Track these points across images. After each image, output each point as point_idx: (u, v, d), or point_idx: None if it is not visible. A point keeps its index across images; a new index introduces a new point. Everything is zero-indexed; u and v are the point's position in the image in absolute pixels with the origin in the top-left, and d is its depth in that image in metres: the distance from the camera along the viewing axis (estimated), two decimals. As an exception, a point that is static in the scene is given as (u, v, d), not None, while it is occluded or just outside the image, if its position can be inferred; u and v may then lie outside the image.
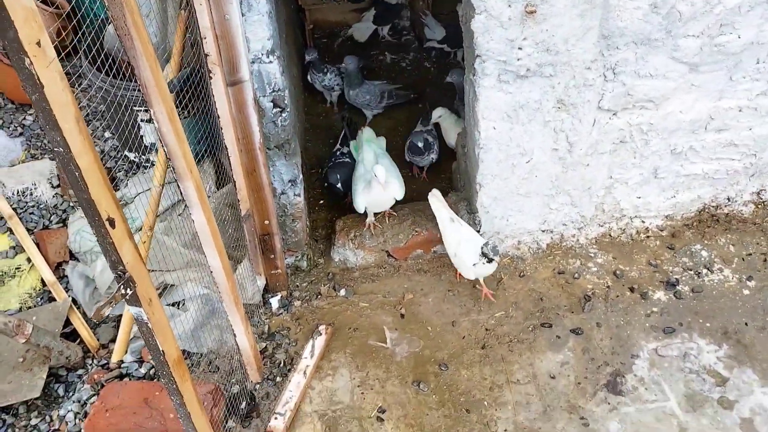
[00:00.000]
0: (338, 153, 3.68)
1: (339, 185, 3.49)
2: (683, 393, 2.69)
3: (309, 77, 4.31)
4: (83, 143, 1.42)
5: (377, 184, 3.13)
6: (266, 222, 2.96)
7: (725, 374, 2.74)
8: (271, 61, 2.65)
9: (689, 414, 2.61)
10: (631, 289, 3.10)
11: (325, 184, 3.71)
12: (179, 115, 2.97)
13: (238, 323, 2.58)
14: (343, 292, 3.26)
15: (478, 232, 3.28)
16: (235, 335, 2.64)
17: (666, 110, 2.90)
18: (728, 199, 3.31)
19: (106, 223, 1.54)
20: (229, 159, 2.62)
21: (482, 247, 2.84)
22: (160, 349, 1.87)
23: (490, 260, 2.85)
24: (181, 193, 2.16)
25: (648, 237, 3.32)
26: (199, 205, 2.06)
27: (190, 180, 1.99)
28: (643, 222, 3.33)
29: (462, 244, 2.97)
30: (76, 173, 1.43)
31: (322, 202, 3.82)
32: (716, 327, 2.91)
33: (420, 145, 3.70)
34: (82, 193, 1.48)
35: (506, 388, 2.78)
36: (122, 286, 1.66)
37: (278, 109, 2.79)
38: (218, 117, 2.45)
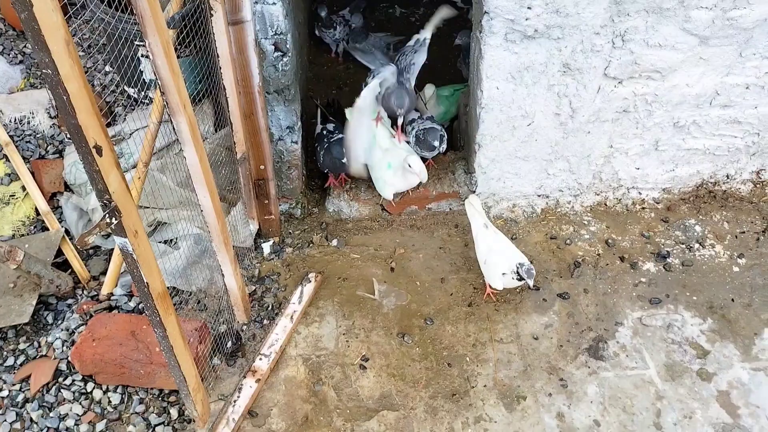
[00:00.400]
0: (325, 132, 3.37)
1: (345, 160, 3.22)
2: (663, 362, 2.72)
3: (317, 32, 4.25)
4: (72, 67, 1.41)
5: (414, 174, 3.13)
6: (262, 167, 2.96)
7: (707, 347, 2.77)
8: (274, 3, 2.60)
9: (667, 383, 2.65)
10: (622, 258, 3.12)
11: (325, 170, 3.45)
12: (180, 52, 2.95)
13: (227, 264, 2.60)
14: (335, 242, 3.27)
15: (474, 192, 3.28)
16: (223, 276, 2.66)
17: (672, 82, 2.86)
18: (727, 176, 3.30)
19: (93, 151, 1.53)
20: (227, 100, 2.60)
21: (517, 267, 2.72)
22: (145, 281, 1.89)
23: (520, 279, 2.74)
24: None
25: (643, 209, 3.32)
26: (191, 142, 2.05)
27: (184, 116, 1.97)
28: (639, 193, 3.33)
29: (493, 252, 2.85)
30: (64, 97, 1.42)
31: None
32: (702, 301, 2.93)
33: (435, 143, 3.27)
34: (69, 118, 1.47)
35: (489, 346, 2.81)
36: (107, 216, 1.66)
37: (279, 53, 2.75)
38: (218, 56, 2.42)
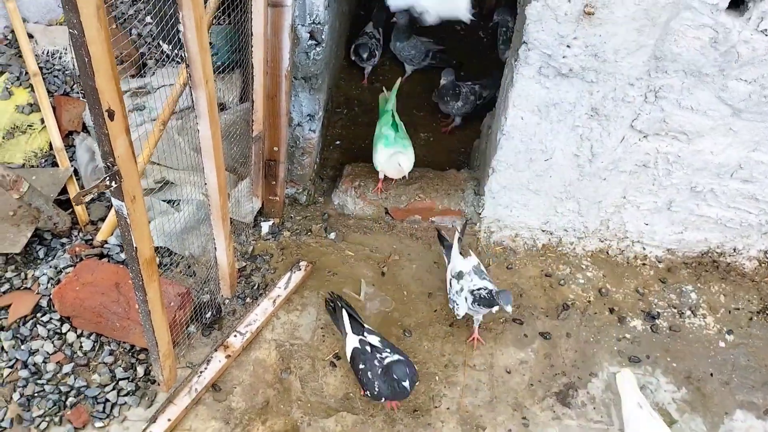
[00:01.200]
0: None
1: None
2: (628, 423, 2.71)
3: (352, 56, 4.19)
4: (99, 31, 1.42)
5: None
6: (275, 149, 2.97)
7: (675, 416, 2.75)
8: (318, -8, 2.60)
9: (628, 444, 2.64)
10: (611, 310, 3.10)
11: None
12: (220, 20, 2.96)
13: (221, 239, 2.62)
14: (333, 235, 3.28)
15: (479, 214, 3.27)
16: (215, 249, 2.68)
17: (697, 147, 2.83)
18: (734, 249, 3.27)
19: (105, 114, 1.55)
20: (252, 78, 2.61)
21: None
22: (134, 245, 1.91)
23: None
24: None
25: (644, 265, 3.30)
26: (207, 117, 2.07)
27: (204, 90, 1.99)
28: (643, 249, 3.30)
29: None
30: (86, 59, 1.43)
31: (338, 142, 3.81)
32: (681, 369, 2.91)
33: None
34: (87, 79, 1.48)
35: (461, 370, 2.82)
36: (108, 178, 1.68)
37: (314, 42, 2.75)
38: (251, 35, 2.42)
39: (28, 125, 3.25)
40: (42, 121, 3.25)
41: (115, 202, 1.79)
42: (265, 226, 3.24)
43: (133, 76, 3.36)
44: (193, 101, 2.05)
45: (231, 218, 2.81)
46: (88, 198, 1.68)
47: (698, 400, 2.82)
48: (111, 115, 1.57)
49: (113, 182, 1.70)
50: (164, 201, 3.14)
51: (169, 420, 2.47)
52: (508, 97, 2.77)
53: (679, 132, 2.78)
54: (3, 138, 3.20)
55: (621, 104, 2.70)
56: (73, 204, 1.64)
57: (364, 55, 4.06)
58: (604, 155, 2.89)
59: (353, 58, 4.14)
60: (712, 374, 2.91)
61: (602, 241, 3.31)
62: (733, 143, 2.81)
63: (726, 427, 2.74)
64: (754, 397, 2.84)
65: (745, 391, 2.86)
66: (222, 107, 3.17)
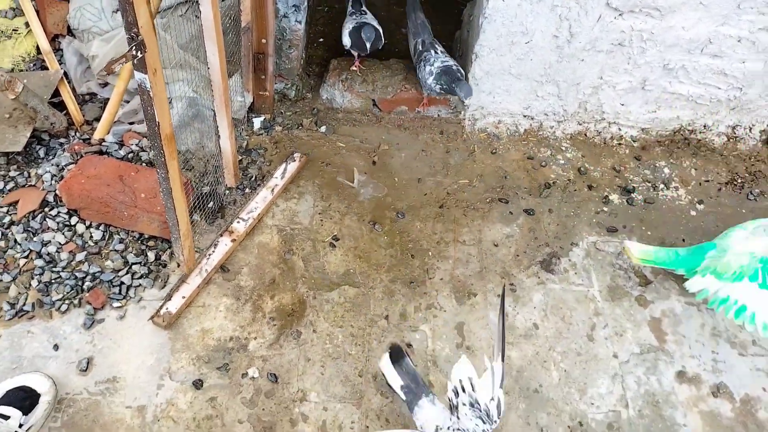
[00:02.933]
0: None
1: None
2: (607, 284, 2.94)
3: None
4: None
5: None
6: (263, 41, 3.03)
7: (650, 277, 2.98)
8: None
9: (607, 302, 2.87)
10: (590, 187, 3.29)
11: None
12: None
13: (225, 126, 2.71)
14: (323, 128, 3.39)
15: (464, 103, 3.39)
16: (219, 137, 2.78)
17: (669, 23, 2.95)
18: (704, 126, 3.45)
19: None
20: (240, -35, 2.65)
21: None
22: (157, 120, 2.00)
23: None
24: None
25: (620, 144, 3.47)
26: (209, -3, 2.13)
27: None
28: (619, 129, 3.47)
29: None
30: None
31: (321, 40, 3.86)
32: (656, 236, 3.13)
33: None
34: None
35: (451, 246, 3.00)
36: (134, 48, 1.75)
37: (299, -73, 2.78)
38: None
39: (12, 29, 3.25)
40: (27, 25, 3.25)
41: (138, 75, 1.86)
42: (257, 122, 3.33)
43: (114, -24, 3.34)
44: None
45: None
46: (118, 68, 1.75)
47: (671, 262, 3.05)
48: None
49: (139, 52, 1.77)
50: (156, 100, 3.20)
51: (183, 297, 2.64)
52: (490, -21, 2.84)
53: (653, 8, 2.90)
54: (-11, 43, 3.21)
55: (598, -19, 2.80)
56: (106, 73, 1.71)
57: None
58: (582, 35, 3.01)
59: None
60: (684, 240, 3.13)
61: (580, 124, 3.46)
62: (702, 18, 2.94)
63: (696, 284, 2.98)
64: (721, 258, 3.07)
65: (714, 253, 3.10)
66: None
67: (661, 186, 3.32)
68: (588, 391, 2.58)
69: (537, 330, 2.76)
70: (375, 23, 3.34)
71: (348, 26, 3.30)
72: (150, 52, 1.80)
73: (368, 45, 3.18)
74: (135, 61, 1.80)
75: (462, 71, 3.13)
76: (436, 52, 3.18)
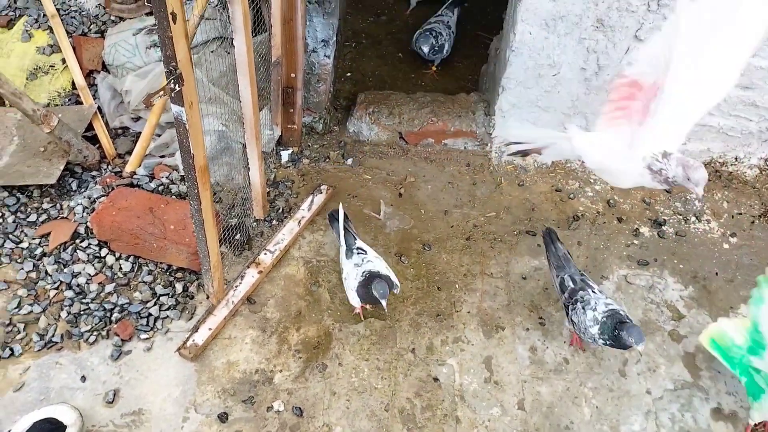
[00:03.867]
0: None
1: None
2: (639, 318, 2.87)
3: None
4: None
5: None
6: (292, 75, 3.07)
7: (683, 311, 2.92)
8: None
9: (638, 337, 2.81)
10: (619, 220, 3.25)
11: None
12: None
13: (255, 158, 2.74)
14: (350, 161, 3.41)
15: (490, 135, 3.39)
16: (248, 169, 2.81)
17: (699, 54, 2.93)
18: (736, 158, 3.40)
19: (170, 17, 1.66)
20: (269, 2, 2.70)
21: None
22: (191, 152, 2.03)
23: None
24: (219, 28, 2.25)
25: (649, 177, 3.43)
26: (243, 30, 2.18)
27: (240, 5, 2.09)
28: (648, 162, 3.43)
29: None
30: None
31: (349, 74, 3.91)
32: (688, 270, 3.07)
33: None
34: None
35: (479, 278, 2.97)
36: (172, 81, 1.79)
37: (327, -36, 2.84)
38: (268, -43, 2.51)
39: (50, 66, 3.35)
40: (63, 61, 3.35)
41: (174, 108, 1.90)
42: (285, 155, 3.36)
43: (148, 14, 3.44)
44: (229, 17, 2.14)
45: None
46: (156, 100, 1.78)
47: (704, 297, 2.98)
48: (174, 18, 1.67)
49: (177, 85, 1.81)
50: (187, 133, 3.26)
51: (210, 329, 2.64)
52: (516, 12, 2.86)
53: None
54: (27, 79, 3.30)
55: (625, 14, 2.80)
56: (145, 106, 1.76)
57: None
58: (610, 68, 3.00)
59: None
60: (716, 273, 3.07)
61: (609, 156, 3.43)
62: (733, 49, 2.91)
63: (731, 319, 2.91)
64: (757, 292, 3.00)
65: (749, 287, 3.00)
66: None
67: (693, 219, 3.27)
68: (621, 429, 2.50)
69: (567, 365, 2.70)
70: (381, 265, 2.66)
71: (352, 282, 2.64)
72: (187, 86, 1.83)
73: (384, 302, 2.51)
74: (172, 95, 1.84)
75: (625, 310, 2.51)
76: (593, 291, 2.58)
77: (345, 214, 2.83)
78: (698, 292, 3.00)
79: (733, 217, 3.30)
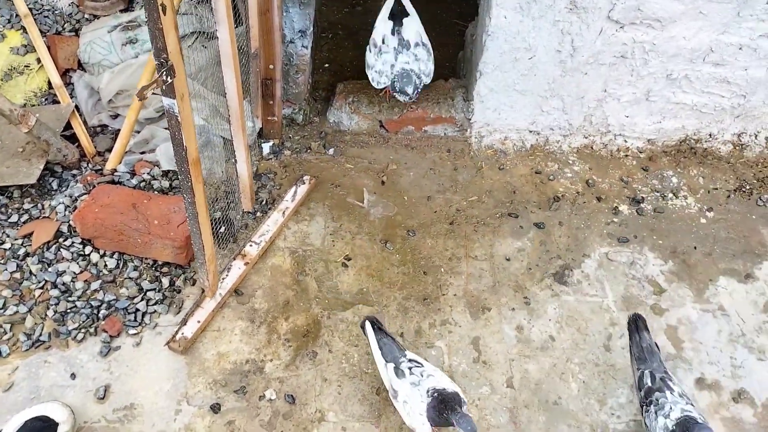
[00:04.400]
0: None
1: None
2: (621, 294, 2.93)
3: None
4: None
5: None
6: (271, 66, 3.08)
7: (664, 286, 2.98)
8: None
9: (622, 312, 2.86)
10: (599, 199, 3.30)
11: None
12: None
13: (241, 150, 2.75)
14: (331, 151, 3.43)
15: (469, 120, 3.42)
16: (235, 161, 2.81)
17: (670, 33, 2.99)
18: (710, 135, 3.47)
19: (160, 8, 1.66)
20: (247, -7, 2.70)
21: None
22: (184, 145, 2.03)
23: None
24: (195, 22, 2.24)
25: (626, 156, 3.49)
26: (226, 22, 2.18)
27: None
28: (625, 141, 3.49)
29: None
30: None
31: (327, 65, 3.92)
32: (667, 245, 3.13)
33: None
34: (145, -25, 1.59)
35: (464, 261, 3.01)
36: (164, 74, 1.79)
37: (302, -46, 2.84)
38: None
39: (24, 66, 3.32)
40: (38, 61, 3.32)
41: (166, 101, 1.89)
42: (266, 147, 3.37)
43: (122, 11, 3.42)
44: (211, 10, 2.14)
45: (232, 140, 2.93)
46: (149, 93, 1.78)
47: (684, 270, 3.05)
48: (164, 9, 1.67)
49: (168, 77, 1.81)
50: (166, 128, 3.24)
51: (198, 322, 2.64)
52: (491, -3, 2.90)
53: (653, 19, 2.94)
54: (2, 80, 3.27)
55: (598, -5, 2.84)
56: (138, 100, 1.75)
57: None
58: (585, 49, 3.05)
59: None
60: (695, 247, 3.13)
61: (586, 137, 3.49)
62: (703, 27, 2.97)
63: (710, 292, 2.97)
64: (735, 264, 3.07)
65: (727, 259, 3.09)
66: (212, 36, 3.26)
67: (670, 195, 3.33)
68: (608, 401, 2.56)
69: (553, 342, 2.74)
70: (444, 378, 2.31)
71: (417, 406, 2.22)
72: (178, 78, 1.83)
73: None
74: (164, 87, 1.84)
75: (702, 416, 2.23)
76: (672, 393, 2.28)
77: (375, 323, 2.44)
78: (678, 266, 3.06)
79: (709, 192, 3.36)
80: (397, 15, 3.23)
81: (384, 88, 3.30)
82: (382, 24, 3.23)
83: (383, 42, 3.22)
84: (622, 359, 2.68)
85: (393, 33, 3.20)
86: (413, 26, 3.24)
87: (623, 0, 2.86)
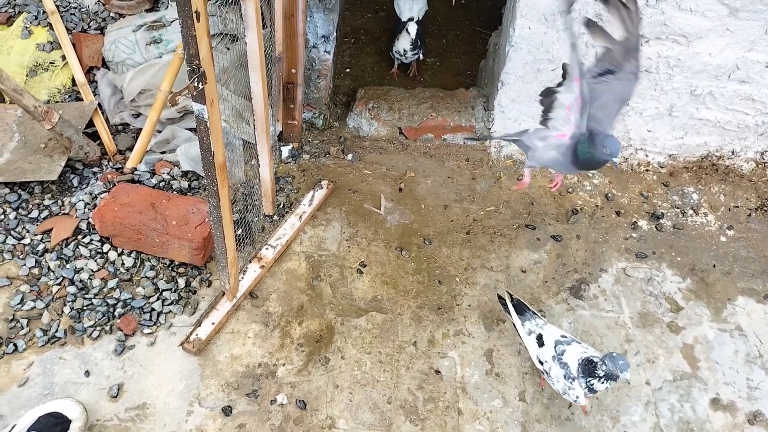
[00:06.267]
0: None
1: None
2: (638, 311, 2.90)
3: None
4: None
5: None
6: (293, 71, 3.08)
7: (681, 303, 2.95)
8: None
9: (638, 329, 2.84)
10: (618, 213, 3.27)
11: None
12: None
13: (264, 154, 2.76)
14: (350, 156, 3.43)
15: (489, 129, 3.41)
16: (258, 165, 2.82)
17: (696, 49, 2.96)
18: (732, 152, 3.43)
19: (194, 15, 1.67)
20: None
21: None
22: (212, 149, 2.04)
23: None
24: (219, 24, 2.25)
25: (647, 171, 3.46)
26: (254, 28, 2.19)
27: (252, 2, 2.10)
28: (646, 156, 3.46)
29: None
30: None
31: (348, 70, 3.93)
32: (685, 262, 3.10)
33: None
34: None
35: (479, 272, 3.00)
36: (196, 80, 1.80)
37: (328, -40, 2.85)
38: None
39: (50, 62, 3.35)
40: (63, 58, 3.35)
41: (196, 107, 1.90)
42: (285, 150, 3.38)
43: (148, 10, 3.45)
44: (242, 13, 2.15)
45: (252, 143, 2.94)
46: (181, 99, 1.79)
47: (702, 289, 3.01)
48: (198, 17, 1.68)
49: (200, 84, 1.82)
50: (187, 129, 3.27)
51: (212, 323, 2.65)
52: (515, 8, 2.88)
53: (679, 35, 2.91)
54: (27, 76, 3.30)
55: (623, 9, 2.82)
56: (170, 104, 1.76)
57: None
58: (608, 62, 3.02)
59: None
60: (714, 266, 3.10)
61: (607, 151, 3.45)
62: (729, 44, 2.94)
63: (728, 311, 2.94)
64: (754, 284, 3.03)
65: (746, 279, 3.06)
66: (235, 38, 3.27)
67: (690, 212, 3.30)
68: (621, 419, 2.53)
69: (567, 357, 2.72)
70: (585, 346, 2.41)
71: (570, 371, 2.34)
72: (209, 84, 1.84)
73: None
74: (195, 93, 1.84)
75: None
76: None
77: (512, 298, 2.56)
78: (696, 284, 3.03)
79: (729, 210, 3.33)
80: None
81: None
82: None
83: None
84: (636, 377, 2.66)
85: None
86: None
87: (649, 14, 2.84)
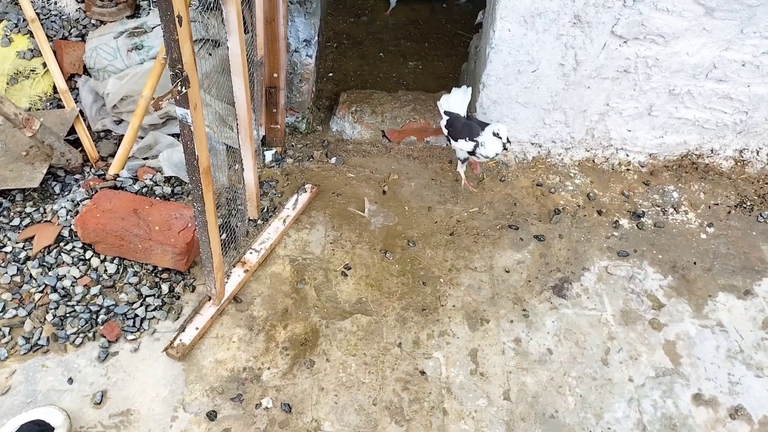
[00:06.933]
0: None
1: None
2: (620, 308, 2.93)
3: None
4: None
5: None
6: (275, 75, 3.09)
7: (663, 301, 2.97)
8: None
9: (621, 326, 2.86)
10: (599, 212, 3.30)
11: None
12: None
13: (249, 158, 2.76)
14: (334, 160, 3.44)
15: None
16: (243, 169, 2.82)
17: (673, 49, 3.00)
18: (712, 150, 3.47)
19: (176, 20, 1.67)
20: (252, 2, 2.72)
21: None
22: (196, 154, 2.04)
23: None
24: (200, 30, 2.25)
25: (628, 170, 3.50)
26: (236, 32, 2.20)
27: (233, 6, 2.11)
28: (627, 155, 3.50)
29: None
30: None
31: (331, 74, 3.94)
32: (667, 260, 3.13)
33: None
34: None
35: (463, 273, 3.01)
36: (179, 84, 1.80)
37: (307, -36, 2.86)
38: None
39: (30, 70, 3.33)
40: (44, 65, 3.34)
41: (179, 111, 1.90)
42: (269, 155, 3.38)
43: (129, 17, 3.44)
44: (224, 18, 2.16)
45: (235, 147, 2.95)
46: (165, 104, 1.79)
47: (683, 285, 3.04)
48: (180, 21, 1.68)
49: (183, 88, 1.82)
50: (169, 135, 3.27)
51: (197, 329, 2.65)
52: (495, 10, 2.91)
53: (657, 35, 2.95)
54: (7, 84, 3.29)
55: (602, 10, 2.85)
56: (153, 109, 1.76)
57: None
58: (588, 63, 3.06)
59: None
60: (695, 263, 3.13)
61: (588, 151, 3.49)
62: (706, 43, 2.98)
63: (709, 307, 2.97)
64: (734, 281, 3.07)
65: (726, 275, 3.09)
66: (217, 44, 3.28)
67: (671, 210, 3.33)
68: (604, 416, 2.55)
69: (551, 355, 2.74)
70: None
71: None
72: (192, 88, 1.85)
73: None
74: (178, 97, 1.85)
75: None
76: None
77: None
78: (677, 281, 3.06)
79: (709, 207, 3.37)
80: None
81: None
82: None
83: None
84: (619, 374, 2.68)
85: None
86: None
87: (627, 15, 2.87)
